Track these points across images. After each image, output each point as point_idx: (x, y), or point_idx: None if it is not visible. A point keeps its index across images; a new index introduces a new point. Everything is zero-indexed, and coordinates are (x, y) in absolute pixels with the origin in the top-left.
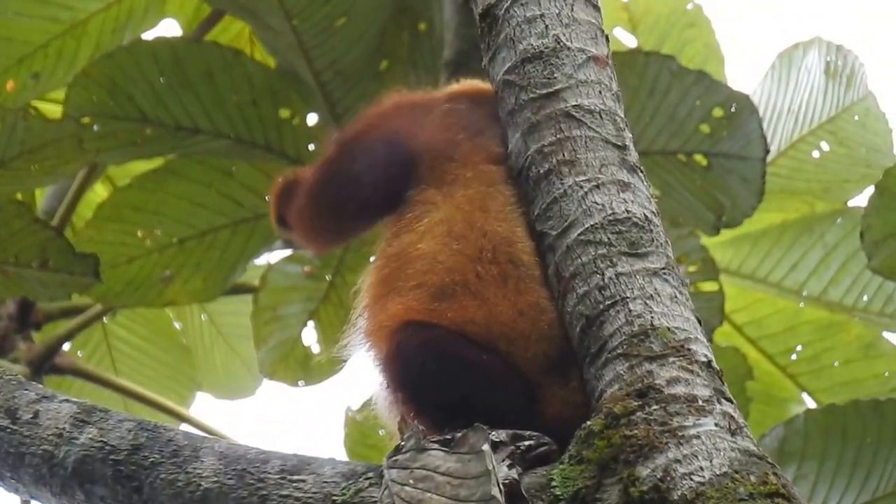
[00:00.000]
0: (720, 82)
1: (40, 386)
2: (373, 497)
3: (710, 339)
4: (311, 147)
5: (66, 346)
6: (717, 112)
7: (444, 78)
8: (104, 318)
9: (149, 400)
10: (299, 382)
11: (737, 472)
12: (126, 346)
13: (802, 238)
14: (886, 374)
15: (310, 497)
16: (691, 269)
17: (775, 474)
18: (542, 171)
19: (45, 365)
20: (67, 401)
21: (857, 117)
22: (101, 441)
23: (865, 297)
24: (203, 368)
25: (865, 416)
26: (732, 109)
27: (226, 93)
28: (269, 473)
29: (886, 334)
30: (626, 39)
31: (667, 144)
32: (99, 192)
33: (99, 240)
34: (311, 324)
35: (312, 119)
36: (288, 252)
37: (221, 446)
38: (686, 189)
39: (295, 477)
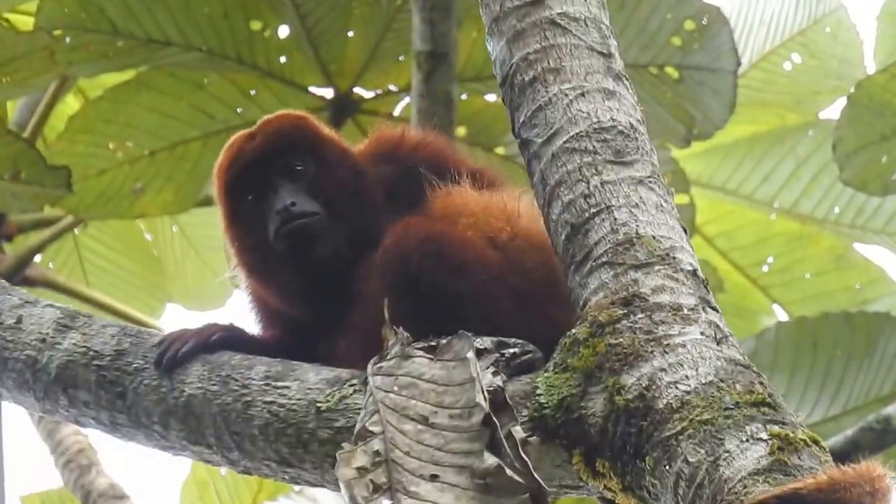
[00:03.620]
0: None
1: (24, 291)
2: (357, 404)
3: None
4: (283, 59)
5: (37, 258)
6: (689, 24)
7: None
8: (75, 230)
9: (119, 312)
10: None
11: (722, 380)
12: (97, 257)
13: (774, 150)
14: (857, 286)
15: (294, 403)
16: None
17: (761, 383)
18: (526, 79)
19: (16, 276)
20: (51, 306)
21: (828, 29)
22: (85, 346)
23: (837, 209)
24: (173, 280)
25: (836, 329)
26: (704, 22)
27: (197, 5)
28: (254, 380)
29: (857, 246)
30: None
31: (637, 57)
32: (70, 104)
33: (70, 152)
34: None
35: (284, 31)
36: None
37: None
38: (657, 102)
39: (279, 383)
